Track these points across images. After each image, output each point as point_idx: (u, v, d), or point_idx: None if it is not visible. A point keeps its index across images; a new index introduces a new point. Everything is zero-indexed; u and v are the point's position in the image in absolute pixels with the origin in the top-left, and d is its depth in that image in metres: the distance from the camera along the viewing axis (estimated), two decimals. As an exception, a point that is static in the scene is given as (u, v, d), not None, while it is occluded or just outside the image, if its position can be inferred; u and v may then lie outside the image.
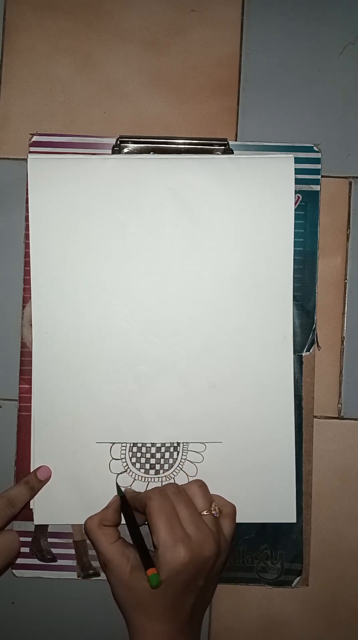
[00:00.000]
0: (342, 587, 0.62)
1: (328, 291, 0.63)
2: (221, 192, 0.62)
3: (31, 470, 0.61)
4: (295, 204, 0.62)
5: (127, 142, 0.63)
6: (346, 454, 0.63)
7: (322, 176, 0.63)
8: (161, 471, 0.61)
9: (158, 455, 0.61)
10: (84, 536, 0.61)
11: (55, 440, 0.61)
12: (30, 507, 0.61)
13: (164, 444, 0.62)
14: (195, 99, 0.64)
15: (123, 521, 0.59)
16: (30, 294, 0.62)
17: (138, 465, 0.61)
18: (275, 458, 0.61)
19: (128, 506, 0.58)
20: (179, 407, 0.61)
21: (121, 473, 0.61)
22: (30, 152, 0.63)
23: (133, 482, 0.61)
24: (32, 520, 0.61)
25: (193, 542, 0.54)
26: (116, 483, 0.61)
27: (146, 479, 0.61)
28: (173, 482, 0.60)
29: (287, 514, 0.61)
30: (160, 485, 0.59)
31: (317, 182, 0.63)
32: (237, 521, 0.60)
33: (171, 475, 0.61)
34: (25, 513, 0.61)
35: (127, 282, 0.62)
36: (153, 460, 0.61)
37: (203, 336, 0.61)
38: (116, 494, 0.60)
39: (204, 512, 0.56)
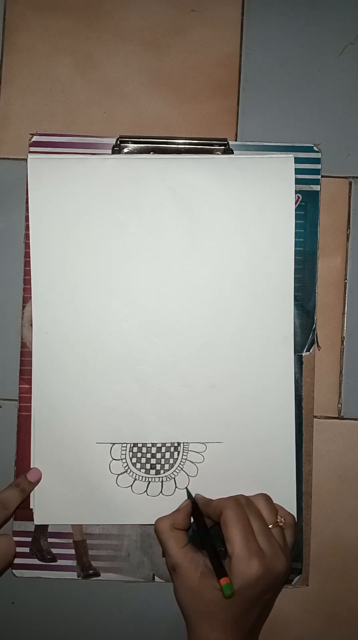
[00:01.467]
0: (341, 587, 0.62)
1: (328, 291, 0.63)
2: (221, 192, 0.62)
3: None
4: (295, 204, 0.62)
5: (127, 142, 0.63)
6: (346, 454, 0.63)
7: (322, 176, 0.63)
8: (162, 471, 0.61)
9: (159, 456, 0.61)
10: (84, 536, 0.61)
11: (55, 440, 0.61)
12: (31, 507, 0.61)
13: (165, 444, 0.62)
14: (195, 99, 0.64)
15: None
16: (30, 294, 0.62)
17: (138, 465, 0.61)
18: (275, 458, 0.61)
19: (199, 511, 0.58)
20: (179, 407, 0.61)
21: (121, 473, 0.61)
22: (30, 152, 0.63)
23: (133, 482, 0.61)
24: (32, 520, 0.61)
25: (266, 557, 0.53)
26: (186, 488, 0.61)
27: (147, 479, 0.61)
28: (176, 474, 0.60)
29: (287, 514, 0.61)
30: (231, 496, 0.58)
31: (317, 182, 0.63)
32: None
33: (172, 475, 0.61)
34: (25, 513, 0.61)
35: (128, 282, 0.62)
36: (153, 461, 0.61)
37: (203, 336, 0.61)
38: (183, 498, 0.60)
39: (271, 526, 0.56)
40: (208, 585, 0.53)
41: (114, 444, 0.61)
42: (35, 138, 0.63)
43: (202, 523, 0.57)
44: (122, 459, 0.61)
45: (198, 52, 0.64)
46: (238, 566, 0.53)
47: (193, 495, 0.60)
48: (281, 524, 0.57)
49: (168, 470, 0.61)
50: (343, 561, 0.62)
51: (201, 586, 0.54)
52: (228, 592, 0.52)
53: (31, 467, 0.61)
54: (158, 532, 0.57)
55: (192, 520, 0.58)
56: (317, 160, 0.63)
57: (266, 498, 0.58)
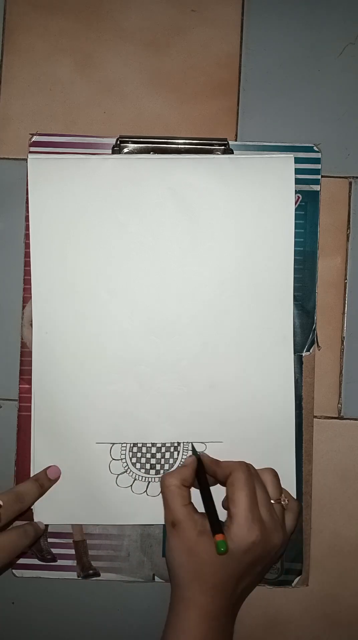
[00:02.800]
0: (341, 587, 0.62)
1: (328, 291, 0.63)
2: (221, 192, 0.62)
3: (31, 471, 0.61)
4: (295, 204, 0.62)
5: (127, 142, 0.63)
6: (346, 454, 0.63)
7: (322, 176, 0.63)
8: (162, 471, 0.61)
9: (158, 455, 0.61)
10: (84, 536, 0.61)
11: (55, 440, 0.61)
12: (31, 507, 0.61)
13: (165, 443, 0.62)
14: (195, 99, 0.64)
15: None
16: (30, 294, 0.62)
17: (138, 465, 0.61)
18: (274, 458, 0.61)
19: (203, 469, 0.58)
20: (179, 407, 0.61)
21: (121, 473, 0.61)
22: (30, 152, 0.63)
23: (133, 482, 0.61)
24: (32, 520, 0.61)
25: (265, 527, 0.54)
26: (192, 445, 0.61)
27: (146, 479, 0.61)
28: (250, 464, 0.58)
29: (287, 514, 0.61)
30: (241, 461, 0.57)
31: (317, 182, 0.63)
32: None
33: (171, 475, 0.61)
34: (25, 513, 0.61)
35: (128, 282, 0.62)
36: (153, 460, 0.61)
37: (203, 336, 0.61)
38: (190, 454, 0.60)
39: (273, 501, 0.56)
40: (205, 545, 0.53)
41: (114, 444, 0.61)
42: (35, 138, 0.63)
43: (204, 480, 0.57)
44: (122, 459, 0.61)
45: (198, 52, 0.64)
46: (239, 529, 0.53)
47: (198, 453, 0.60)
48: (283, 502, 0.57)
49: (168, 470, 0.61)
50: (343, 561, 0.62)
51: (198, 545, 0.53)
52: (222, 548, 0.51)
53: (31, 467, 0.61)
54: (164, 487, 0.56)
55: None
56: (317, 160, 0.63)
57: (274, 474, 0.58)
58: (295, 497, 0.61)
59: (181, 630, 0.53)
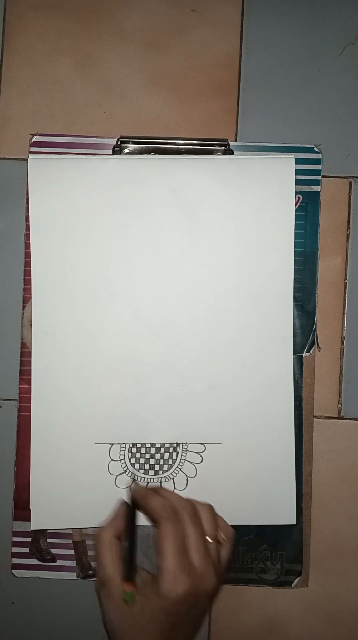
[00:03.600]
0: (341, 588, 0.62)
1: (328, 291, 0.63)
2: (222, 192, 0.62)
3: (31, 470, 0.61)
4: (296, 204, 0.62)
5: (127, 142, 0.63)
6: (346, 454, 0.62)
7: (322, 176, 0.63)
8: (161, 472, 0.61)
9: (157, 456, 0.61)
10: (84, 537, 0.61)
11: (54, 440, 0.61)
12: (30, 507, 0.61)
13: (164, 444, 0.61)
14: (195, 99, 0.64)
15: None
16: (30, 294, 0.62)
17: (137, 466, 0.61)
18: (274, 459, 0.61)
19: (133, 516, 0.57)
20: (178, 408, 0.61)
21: (120, 474, 0.61)
22: (30, 152, 0.63)
23: (132, 483, 0.61)
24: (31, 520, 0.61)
25: (196, 574, 0.52)
26: (129, 487, 0.60)
27: (145, 479, 0.61)
28: (190, 498, 0.57)
29: (287, 516, 0.61)
30: (178, 497, 0.56)
31: (317, 182, 0.62)
32: (237, 523, 0.60)
33: (170, 476, 0.61)
34: (25, 513, 0.61)
35: (128, 282, 0.62)
36: (152, 461, 0.61)
37: (203, 336, 0.61)
38: (117, 498, 0.59)
39: (210, 540, 0.55)
40: (138, 602, 0.52)
41: (113, 444, 0.61)
42: (35, 138, 0.63)
43: (132, 528, 0.56)
44: (121, 460, 0.61)
45: (198, 52, 0.64)
46: (167, 582, 0.51)
47: (133, 487, 0.58)
48: (221, 539, 0.56)
49: (166, 471, 0.61)
50: (343, 561, 0.62)
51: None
52: (127, 599, 0.51)
53: (31, 467, 0.61)
54: (99, 543, 0.55)
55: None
56: (317, 161, 0.63)
57: (209, 509, 0.56)
58: (294, 497, 0.61)
59: None
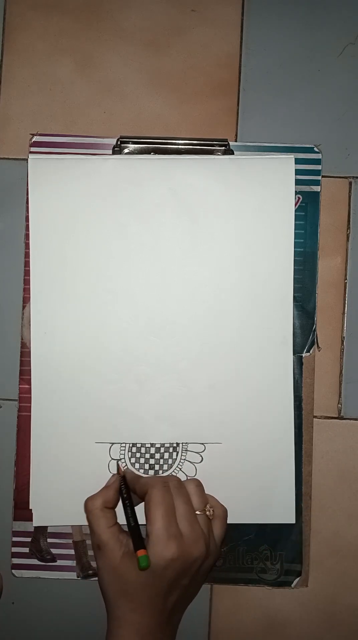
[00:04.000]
0: (341, 588, 0.62)
1: (328, 291, 0.63)
2: (222, 192, 0.62)
3: (31, 470, 0.61)
4: (296, 204, 0.62)
5: (127, 142, 0.63)
6: (346, 454, 0.62)
7: (322, 176, 0.63)
8: (161, 471, 0.61)
9: (157, 456, 0.61)
10: (84, 537, 0.61)
11: (54, 440, 0.61)
12: (30, 508, 0.61)
13: (164, 444, 0.61)
14: (195, 99, 0.64)
15: None
16: (30, 294, 0.62)
17: (137, 465, 0.61)
18: (274, 459, 0.61)
19: (127, 487, 0.58)
20: (178, 408, 0.61)
21: (120, 474, 0.61)
22: (30, 152, 0.63)
23: (123, 466, 0.61)
24: (32, 520, 0.61)
25: (184, 541, 0.54)
26: (117, 463, 0.61)
27: (146, 479, 0.61)
28: (175, 475, 0.60)
29: (286, 515, 0.61)
30: (162, 475, 0.59)
31: (317, 183, 0.62)
32: (236, 522, 0.60)
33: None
34: (25, 513, 0.61)
35: (128, 282, 0.62)
36: (152, 461, 0.61)
37: (203, 336, 0.61)
38: (113, 473, 0.61)
39: (198, 512, 0.56)
40: (129, 564, 0.54)
41: (113, 443, 0.61)
42: (35, 138, 0.63)
43: (128, 499, 0.58)
44: (121, 459, 0.61)
45: (198, 52, 0.64)
46: (155, 546, 0.53)
47: (123, 469, 0.60)
48: (208, 512, 0.57)
49: (166, 470, 0.61)
50: (343, 561, 0.62)
51: (122, 565, 0.54)
52: (143, 564, 0.52)
53: (31, 467, 0.61)
54: (87, 511, 0.57)
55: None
56: (317, 161, 0.63)
57: (197, 484, 0.58)
58: (294, 497, 0.61)
59: None
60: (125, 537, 0.56)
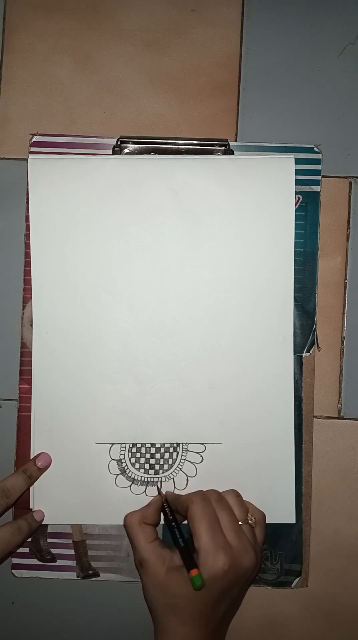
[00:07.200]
0: (341, 588, 0.62)
1: (328, 291, 0.63)
2: (222, 192, 0.62)
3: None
4: (296, 204, 0.62)
5: (127, 142, 0.63)
6: (346, 454, 0.62)
7: (322, 176, 0.63)
8: (161, 472, 0.61)
9: (158, 456, 0.61)
10: (84, 536, 0.61)
11: (54, 440, 0.61)
12: (30, 508, 0.61)
13: (164, 444, 0.62)
14: (195, 99, 0.64)
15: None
16: (30, 294, 0.62)
17: (137, 465, 0.61)
18: (274, 459, 0.61)
19: (171, 509, 0.58)
20: (178, 408, 0.61)
21: (120, 474, 0.61)
22: (30, 152, 0.63)
23: (131, 483, 0.61)
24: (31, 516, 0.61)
25: (234, 551, 0.54)
26: (157, 485, 0.61)
27: (145, 479, 0.61)
28: (213, 489, 0.59)
29: (286, 515, 0.61)
30: (199, 490, 0.59)
31: (317, 183, 0.63)
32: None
33: (170, 475, 0.61)
34: (25, 513, 0.61)
35: (128, 282, 0.62)
36: (152, 461, 0.61)
37: (203, 337, 0.61)
38: (155, 494, 0.61)
39: (241, 522, 0.56)
40: (175, 579, 0.54)
41: (113, 444, 0.61)
42: (35, 138, 0.63)
43: (172, 518, 0.57)
44: (121, 459, 0.61)
45: (198, 52, 0.64)
46: (205, 560, 0.53)
47: (163, 492, 0.60)
48: (251, 521, 0.57)
49: (166, 470, 0.61)
50: (343, 561, 0.62)
51: (168, 580, 0.54)
52: (198, 584, 0.52)
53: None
54: (126, 527, 0.58)
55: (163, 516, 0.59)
56: (317, 161, 0.63)
57: (237, 494, 0.58)
58: (293, 497, 0.61)
59: None
60: (168, 552, 0.56)
